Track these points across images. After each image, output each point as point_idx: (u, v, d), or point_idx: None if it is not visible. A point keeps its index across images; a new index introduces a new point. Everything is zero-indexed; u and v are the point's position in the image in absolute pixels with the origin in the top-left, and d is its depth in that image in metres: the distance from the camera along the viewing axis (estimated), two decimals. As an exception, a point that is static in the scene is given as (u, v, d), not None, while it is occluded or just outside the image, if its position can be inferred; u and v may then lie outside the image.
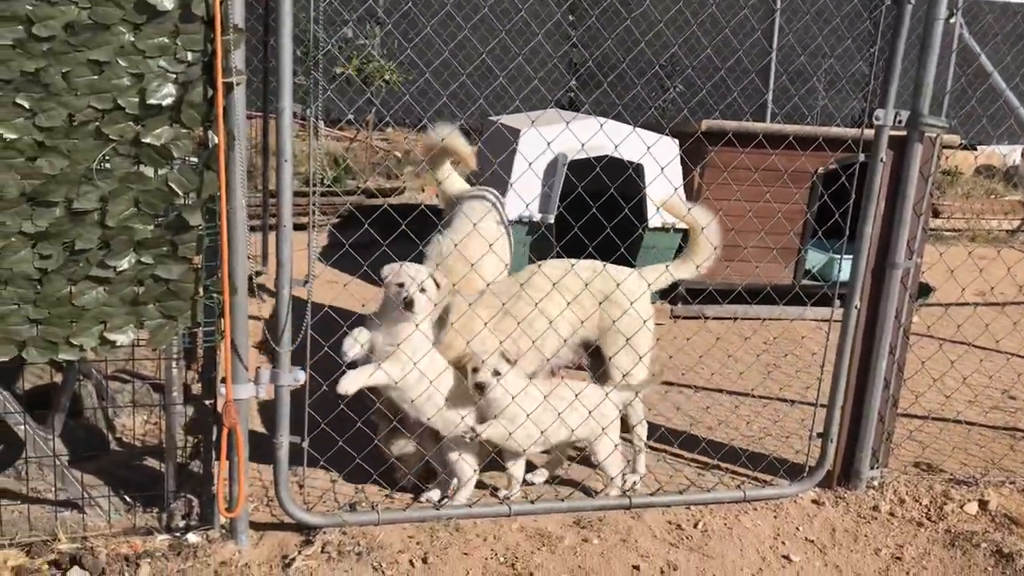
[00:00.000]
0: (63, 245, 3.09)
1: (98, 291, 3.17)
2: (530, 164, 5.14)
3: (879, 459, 4.37)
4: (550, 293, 4.02)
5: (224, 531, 3.60)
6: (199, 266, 3.28)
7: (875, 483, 4.36)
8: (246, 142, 3.24)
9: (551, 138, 5.26)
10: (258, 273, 7.30)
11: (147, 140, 3.08)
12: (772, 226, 6.32)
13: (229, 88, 3.13)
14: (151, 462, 4.11)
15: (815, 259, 7.66)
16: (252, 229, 7.59)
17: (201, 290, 3.28)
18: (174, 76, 3.08)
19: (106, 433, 4.18)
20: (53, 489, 3.63)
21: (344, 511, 3.82)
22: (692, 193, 6.89)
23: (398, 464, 4.11)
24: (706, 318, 6.83)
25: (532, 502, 3.98)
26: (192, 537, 3.54)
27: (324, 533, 3.67)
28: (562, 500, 4.02)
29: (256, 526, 3.75)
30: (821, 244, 7.56)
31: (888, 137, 3.94)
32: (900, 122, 3.92)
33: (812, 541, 3.95)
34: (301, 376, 3.51)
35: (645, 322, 4.20)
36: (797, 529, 4.04)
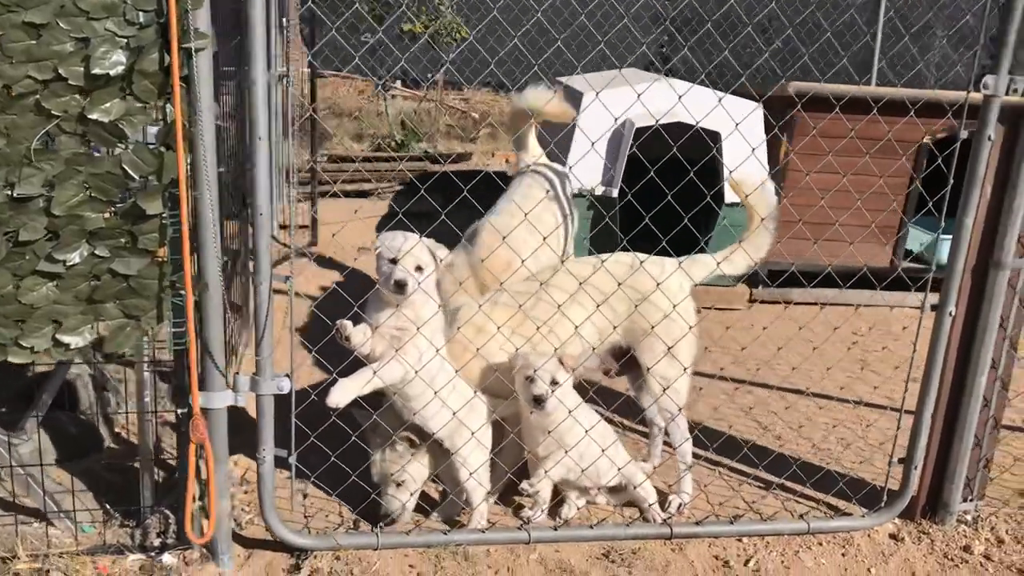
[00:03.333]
0: (5, 235, 2.71)
1: (48, 287, 2.79)
2: (593, 144, 4.54)
3: (974, 490, 3.72)
4: (575, 294, 3.49)
5: (204, 552, 3.23)
6: (164, 259, 2.86)
7: (968, 518, 3.71)
8: (213, 115, 2.79)
9: (616, 103, 4.65)
10: (311, 244, 6.96)
11: (93, 116, 2.66)
12: (868, 201, 5.59)
13: (191, 54, 2.68)
14: (146, 464, 3.77)
15: (919, 239, 6.84)
16: (309, 198, 7.27)
17: (167, 287, 2.88)
18: (124, 41, 2.64)
19: (100, 431, 3.86)
20: (22, 498, 3.32)
21: (339, 533, 3.40)
22: (777, 163, 6.19)
23: (387, 493, 3.54)
24: (788, 303, 6.15)
25: (555, 528, 3.48)
26: (167, 558, 3.18)
27: (315, 557, 3.27)
28: (591, 527, 3.51)
29: (248, 543, 3.37)
30: (927, 222, 6.76)
31: (999, 109, 3.23)
32: (1015, 90, 3.21)
33: (885, 588, 3.36)
34: (285, 384, 3.08)
35: (690, 328, 3.62)
36: (868, 571, 3.45)
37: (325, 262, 6.81)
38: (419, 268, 3.20)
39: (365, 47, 8.38)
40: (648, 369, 3.59)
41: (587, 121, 5.69)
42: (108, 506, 3.40)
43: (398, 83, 11.21)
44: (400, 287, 3.16)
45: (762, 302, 6.36)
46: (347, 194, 8.08)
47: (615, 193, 5.79)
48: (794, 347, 5.25)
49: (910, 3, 9.38)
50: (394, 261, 3.19)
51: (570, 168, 5.71)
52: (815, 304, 6.22)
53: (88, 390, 3.92)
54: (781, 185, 6.07)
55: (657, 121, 4.88)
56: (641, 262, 3.64)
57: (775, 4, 8.49)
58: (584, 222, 5.88)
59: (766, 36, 9.31)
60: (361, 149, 9.44)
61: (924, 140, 6.19)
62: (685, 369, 3.60)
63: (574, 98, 6.13)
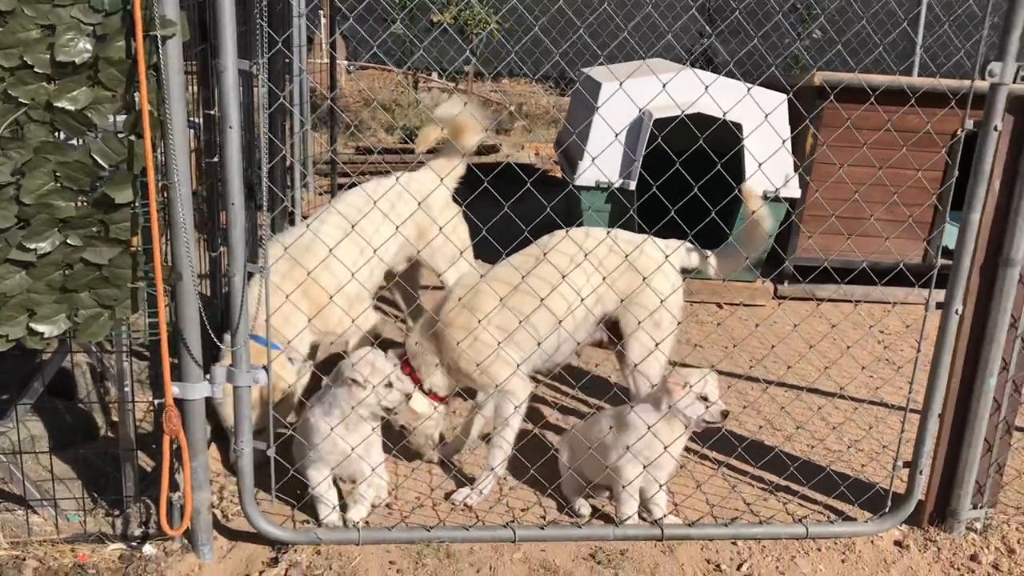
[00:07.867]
0: (-24, 224, 2.72)
1: (21, 276, 2.78)
2: (617, 135, 4.44)
3: (985, 496, 3.55)
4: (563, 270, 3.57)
5: (185, 542, 3.21)
6: (137, 249, 2.85)
7: (977, 526, 3.55)
8: (184, 104, 2.77)
9: (635, 93, 4.54)
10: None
11: (60, 104, 2.65)
12: (899, 195, 5.41)
13: (159, 42, 2.65)
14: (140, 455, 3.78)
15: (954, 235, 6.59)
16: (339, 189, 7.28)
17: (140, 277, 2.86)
18: (90, 28, 2.62)
19: (96, 419, 3.87)
20: (5, 485, 3.34)
21: (320, 527, 3.36)
22: (804, 157, 6.01)
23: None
24: (817, 300, 5.97)
25: (542, 527, 3.41)
26: (148, 548, 3.17)
27: (295, 551, 3.24)
28: (579, 526, 3.43)
29: (233, 534, 3.35)
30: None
31: (1007, 98, 3.07)
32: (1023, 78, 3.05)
33: (884, 597, 3.22)
34: (262, 376, 3.05)
35: (662, 301, 3.66)
36: (868, 579, 3.31)
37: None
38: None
39: (386, 34, 8.32)
40: (627, 336, 3.71)
41: (606, 112, 5.57)
42: (95, 495, 3.41)
43: (434, 75, 11.18)
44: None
45: (788, 299, 6.18)
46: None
47: (633, 185, 5.67)
48: (817, 345, 5.10)
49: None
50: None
51: (585, 158, 5.63)
52: (842, 301, 6.05)
53: (86, 378, 3.94)
54: (808, 178, 5.90)
55: (682, 112, 4.69)
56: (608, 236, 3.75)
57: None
58: (602, 215, 5.79)
59: (804, 26, 9.07)
60: (392, 141, 9.43)
61: (959, 132, 5.96)
62: (658, 345, 3.64)
63: (592, 89, 6.02)
